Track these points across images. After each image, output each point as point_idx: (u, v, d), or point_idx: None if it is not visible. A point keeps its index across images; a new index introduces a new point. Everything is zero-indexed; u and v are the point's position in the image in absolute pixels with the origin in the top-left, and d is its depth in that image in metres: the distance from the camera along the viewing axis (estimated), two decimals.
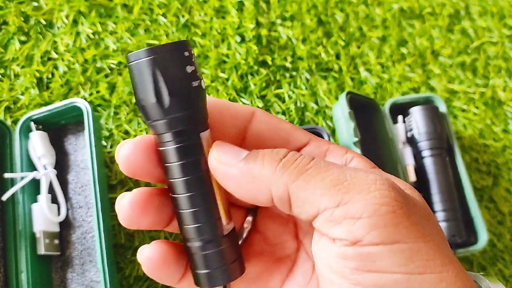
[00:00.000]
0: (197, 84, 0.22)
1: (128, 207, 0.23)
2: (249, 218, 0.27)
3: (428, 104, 0.54)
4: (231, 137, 0.25)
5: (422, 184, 0.52)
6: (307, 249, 0.26)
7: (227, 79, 0.54)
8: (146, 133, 0.50)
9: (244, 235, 0.26)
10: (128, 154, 0.22)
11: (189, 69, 0.22)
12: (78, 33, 0.53)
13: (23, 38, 0.52)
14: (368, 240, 0.19)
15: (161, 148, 0.23)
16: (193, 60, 0.22)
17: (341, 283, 0.20)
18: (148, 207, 0.23)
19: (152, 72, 0.21)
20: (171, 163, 0.22)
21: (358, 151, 0.48)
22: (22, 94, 0.50)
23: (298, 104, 0.55)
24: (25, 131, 0.46)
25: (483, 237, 0.49)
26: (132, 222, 0.23)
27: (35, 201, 0.45)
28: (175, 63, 0.22)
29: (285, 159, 0.21)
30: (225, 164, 0.22)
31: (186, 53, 0.22)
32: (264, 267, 0.26)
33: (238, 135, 0.25)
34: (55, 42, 0.52)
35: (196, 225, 0.23)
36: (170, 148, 0.22)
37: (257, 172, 0.21)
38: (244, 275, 0.25)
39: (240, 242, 0.27)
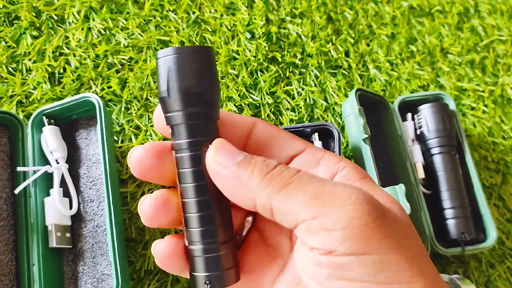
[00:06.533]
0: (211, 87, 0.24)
1: (150, 207, 0.25)
2: (249, 218, 0.27)
3: (437, 101, 0.54)
4: (234, 145, 0.26)
5: (431, 182, 0.52)
6: None
7: (237, 76, 0.54)
8: None
9: (244, 233, 0.27)
10: (139, 158, 0.24)
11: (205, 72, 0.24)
12: (89, 29, 0.53)
13: (35, 33, 0.52)
14: (341, 251, 0.20)
15: (176, 155, 0.24)
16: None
17: None
18: (168, 206, 0.25)
19: (173, 67, 0.23)
20: (183, 169, 0.24)
21: (368, 148, 0.48)
22: (34, 88, 0.50)
23: (308, 100, 0.55)
24: (38, 126, 0.46)
25: (492, 235, 0.49)
26: (154, 221, 0.25)
27: (47, 194, 0.45)
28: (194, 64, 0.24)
29: (273, 171, 0.22)
30: (219, 164, 0.23)
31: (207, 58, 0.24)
32: (259, 265, 0.26)
33: (240, 143, 0.26)
34: (66, 37, 0.53)
35: (200, 229, 0.24)
36: (184, 155, 0.24)
37: (245, 180, 0.22)
38: (240, 271, 0.26)
39: (240, 239, 0.28)
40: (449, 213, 0.50)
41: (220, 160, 0.23)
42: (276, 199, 0.22)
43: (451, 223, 0.50)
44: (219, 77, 0.54)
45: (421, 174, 0.52)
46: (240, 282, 0.26)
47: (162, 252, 0.25)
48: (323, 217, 0.20)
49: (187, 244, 0.25)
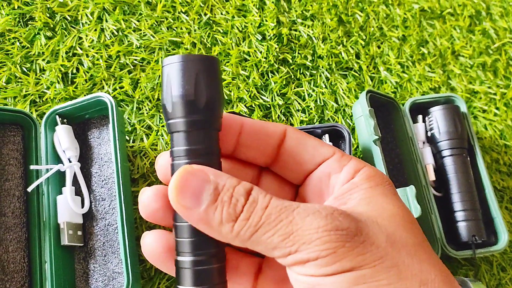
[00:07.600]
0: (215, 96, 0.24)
1: (150, 199, 0.25)
2: None
3: (448, 104, 0.54)
4: (266, 154, 0.27)
5: (441, 184, 0.52)
6: None
7: (248, 77, 0.55)
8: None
9: None
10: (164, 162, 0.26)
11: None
12: (102, 30, 0.54)
13: (49, 33, 0.53)
14: (317, 274, 0.22)
15: (172, 162, 0.24)
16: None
17: None
18: (167, 201, 0.25)
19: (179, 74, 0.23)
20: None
21: (378, 149, 0.48)
22: (48, 88, 0.51)
23: (318, 102, 0.55)
24: (51, 125, 0.47)
25: (504, 238, 0.49)
26: (150, 214, 0.25)
27: (60, 193, 0.46)
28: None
29: (241, 217, 0.22)
30: (184, 207, 0.22)
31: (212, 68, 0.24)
32: (280, 269, 0.26)
33: (272, 152, 0.27)
34: (80, 38, 0.53)
35: (190, 239, 0.24)
36: (180, 163, 0.24)
37: (216, 227, 0.22)
38: (257, 279, 0.26)
39: None
40: (460, 215, 0.50)
41: (183, 203, 0.22)
42: (248, 245, 0.22)
43: (462, 226, 0.49)
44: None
45: (431, 176, 0.52)
46: (262, 286, 0.26)
47: (151, 247, 0.25)
48: (295, 254, 0.22)
49: (176, 256, 0.24)
